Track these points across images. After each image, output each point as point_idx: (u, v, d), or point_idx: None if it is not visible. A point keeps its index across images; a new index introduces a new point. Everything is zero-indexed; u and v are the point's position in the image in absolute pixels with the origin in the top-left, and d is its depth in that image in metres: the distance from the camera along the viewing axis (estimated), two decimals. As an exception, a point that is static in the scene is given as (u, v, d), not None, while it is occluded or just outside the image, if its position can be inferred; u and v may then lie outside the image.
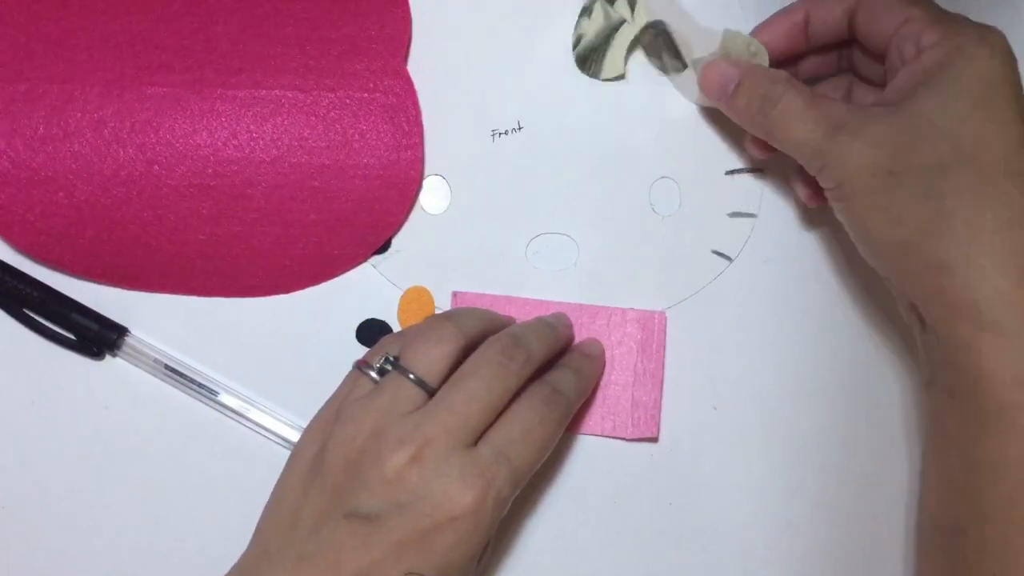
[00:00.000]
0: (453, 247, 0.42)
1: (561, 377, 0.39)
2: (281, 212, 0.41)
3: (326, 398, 0.38)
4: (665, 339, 0.42)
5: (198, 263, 0.42)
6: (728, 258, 0.42)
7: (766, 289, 0.42)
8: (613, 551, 0.42)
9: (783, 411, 0.42)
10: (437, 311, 0.42)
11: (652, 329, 0.42)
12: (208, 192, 0.41)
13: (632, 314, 0.42)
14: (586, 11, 0.42)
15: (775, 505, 0.42)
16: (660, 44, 0.42)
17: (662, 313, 0.42)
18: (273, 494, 0.36)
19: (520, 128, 0.43)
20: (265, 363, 0.42)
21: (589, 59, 0.42)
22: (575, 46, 0.43)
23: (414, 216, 0.42)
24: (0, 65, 0.41)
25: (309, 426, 0.37)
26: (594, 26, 0.42)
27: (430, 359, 0.36)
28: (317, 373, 0.41)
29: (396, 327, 0.42)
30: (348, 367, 0.39)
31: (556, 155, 0.43)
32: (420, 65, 0.42)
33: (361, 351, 0.41)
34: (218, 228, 0.41)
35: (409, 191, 0.42)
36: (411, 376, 0.36)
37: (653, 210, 0.42)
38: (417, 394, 0.35)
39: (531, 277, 0.42)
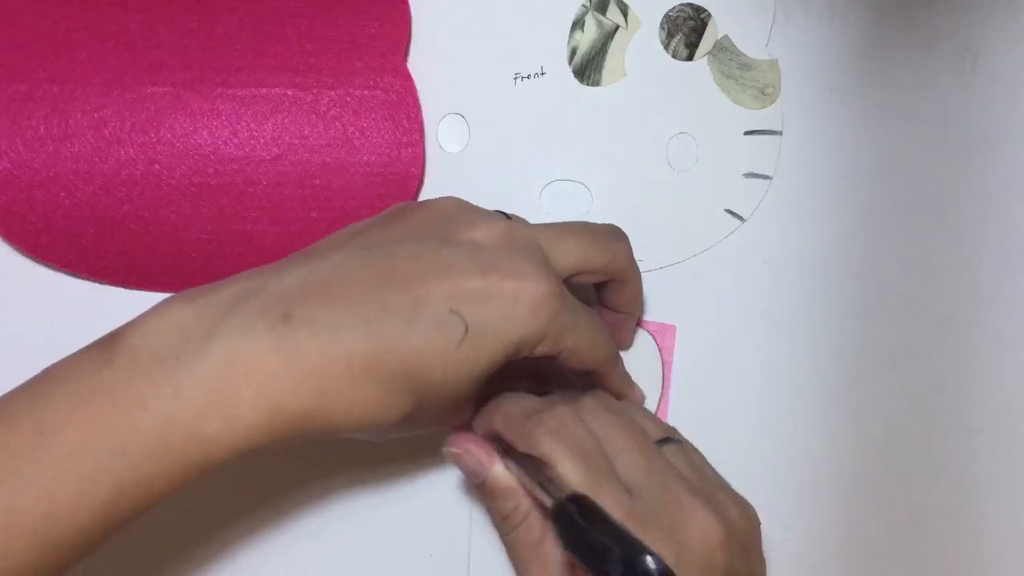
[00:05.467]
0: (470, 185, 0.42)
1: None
2: (282, 210, 0.41)
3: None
4: (673, 348, 0.42)
5: (199, 262, 0.41)
6: (740, 218, 0.42)
7: (775, 252, 0.42)
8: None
9: (783, 372, 0.42)
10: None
11: (663, 338, 0.42)
12: (209, 191, 0.41)
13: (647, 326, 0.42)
14: (578, 24, 0.42)
15: (780, 452, 0.42)
16: None
17: (671, 326, 0.42)
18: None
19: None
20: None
21: (587, 70, 0.42)
22: (570, 59, 0.42)
23: (432, 154, 0.42)
24: (0, 65, 0.41)
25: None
26: (588, 37, 0.42)
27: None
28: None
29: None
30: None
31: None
32: (420, 62, 0.42)
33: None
34: (219, 227, 0.41)
35: (410, 188, 0.42)
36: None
37: (669, 165, 0.42)
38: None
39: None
